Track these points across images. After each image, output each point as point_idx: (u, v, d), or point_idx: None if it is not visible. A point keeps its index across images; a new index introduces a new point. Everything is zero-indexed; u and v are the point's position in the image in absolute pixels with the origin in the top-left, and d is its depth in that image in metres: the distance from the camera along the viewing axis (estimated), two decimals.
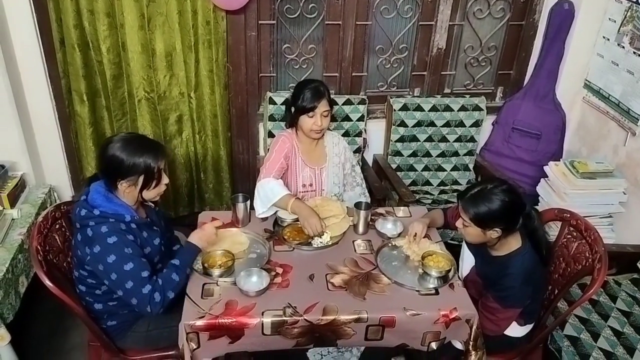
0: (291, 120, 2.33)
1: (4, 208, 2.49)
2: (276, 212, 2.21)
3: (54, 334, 2.56)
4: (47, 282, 1.70)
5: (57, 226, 1.94)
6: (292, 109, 2.30)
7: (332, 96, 2.90)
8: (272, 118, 2.89)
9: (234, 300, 1.78)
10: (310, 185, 2.40)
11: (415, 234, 2.04)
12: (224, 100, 2.95)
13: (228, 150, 3.10)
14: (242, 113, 3.05)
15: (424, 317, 1.78)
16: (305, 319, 1.73)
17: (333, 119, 2.94)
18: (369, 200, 2.60)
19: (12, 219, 2.49)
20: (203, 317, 1.71)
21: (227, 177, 3.17)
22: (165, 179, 1.85)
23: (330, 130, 2.57)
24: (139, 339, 1.94)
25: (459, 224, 1.87)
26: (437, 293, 1.87)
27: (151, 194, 1.84)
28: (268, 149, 2.43)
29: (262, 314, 1.73)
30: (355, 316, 1.75)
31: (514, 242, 1.85)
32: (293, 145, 2.36)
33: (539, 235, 1.86)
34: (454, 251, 2.11)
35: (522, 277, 1.81)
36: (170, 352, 1.92)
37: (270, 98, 2.87)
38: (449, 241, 2.71)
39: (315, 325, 1.75)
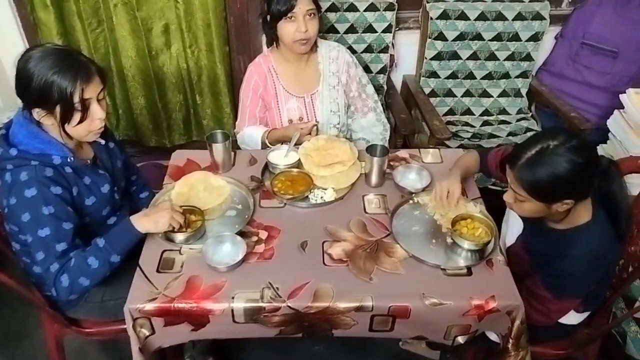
0: (268, 33, 1.84)
1: None
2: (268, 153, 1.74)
3: None
4: None
5: None
6: (268, 18, 1.79)
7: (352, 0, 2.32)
8: None
9: (197, 276, 1.36)
10: (301, 119, 1.91)
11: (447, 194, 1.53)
12: (219, 5, 2.40)
13: (226, 68, 2.60)
14: (242, 22, 2.49)
15: (449, 308, 1.32)
16: (288, 306, 1.31)
17: (352, 30, 2.35)
18: (387, 129, 2.11)
19: None
20: (155, 299, 1.31)
21: (226, 101, 2.69)
22: (98, 113, 1.37)
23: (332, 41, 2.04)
24: (92, 310, 1.58)
25: (508, 197, 1.35)
26: (469, 273, 1.40)
27: (79, 132, 1.38)
28: None
29: (232, 298, 1.31)
30: (356, 304, 1.31)
31: (583, 213, 1.32)
32: (269, 72, 1.90)
33: (618, 200, 1.33)
34: (495, 206, 1.60)
35: (588, 262, 1.31)
36: None
37: None
38: (490, 186, 2.20)
39: (303, 314, 1.32)
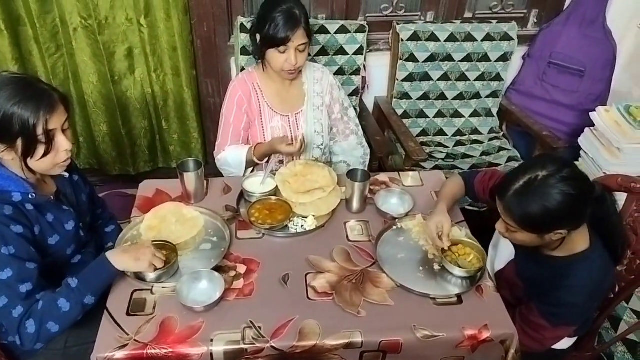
0: (256, 52, 1.80)
1: None
2: (243, 181, 1.66)
3: None
4: None
5: None
6: (257, 37, 1.74)
7: (323, 22, 2.29)
8: (245, 51, 2.26)
9: (172, 317, 1.26)
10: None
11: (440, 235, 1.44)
12: (185, 28, 2.32)
13: (194, 93, 2.51)
14: (209, 45, 2.42)
15: (441, 340, 1.25)
16: (272, 347, 1.21)
17: (324, 52, 2.32)
18: (367, 153, 2.08)
19: None
20: (125, 345, 1.19)
21: (194, 126, 2.60)
22: (63, 144, 1.26)
23: (317, 63, 1.99)
24: (53, 358, 1.44)
25: (500, 227, 1.30)
26: (459, 302, 1.34)
27: (43, 165, 1.26)
28: None
29: (211, 340, 1.21)
30: (345, 341, 1.23)
31: (579, 240, 1.29)
32: (253, 89, 1.84)
33: (613, 224, 1.30)
34: (475, 228, 1.56)
35: (589, 291, 1.27)
36: None
37: (243, 25, 2.22)
38: (467, 207, 2.16)
39: (289, 354, 1.23)
